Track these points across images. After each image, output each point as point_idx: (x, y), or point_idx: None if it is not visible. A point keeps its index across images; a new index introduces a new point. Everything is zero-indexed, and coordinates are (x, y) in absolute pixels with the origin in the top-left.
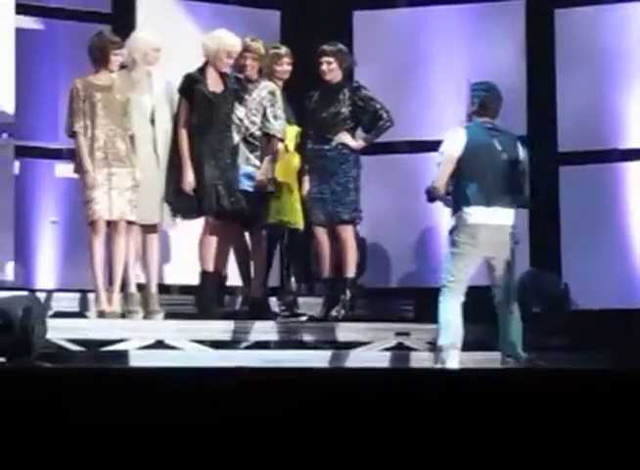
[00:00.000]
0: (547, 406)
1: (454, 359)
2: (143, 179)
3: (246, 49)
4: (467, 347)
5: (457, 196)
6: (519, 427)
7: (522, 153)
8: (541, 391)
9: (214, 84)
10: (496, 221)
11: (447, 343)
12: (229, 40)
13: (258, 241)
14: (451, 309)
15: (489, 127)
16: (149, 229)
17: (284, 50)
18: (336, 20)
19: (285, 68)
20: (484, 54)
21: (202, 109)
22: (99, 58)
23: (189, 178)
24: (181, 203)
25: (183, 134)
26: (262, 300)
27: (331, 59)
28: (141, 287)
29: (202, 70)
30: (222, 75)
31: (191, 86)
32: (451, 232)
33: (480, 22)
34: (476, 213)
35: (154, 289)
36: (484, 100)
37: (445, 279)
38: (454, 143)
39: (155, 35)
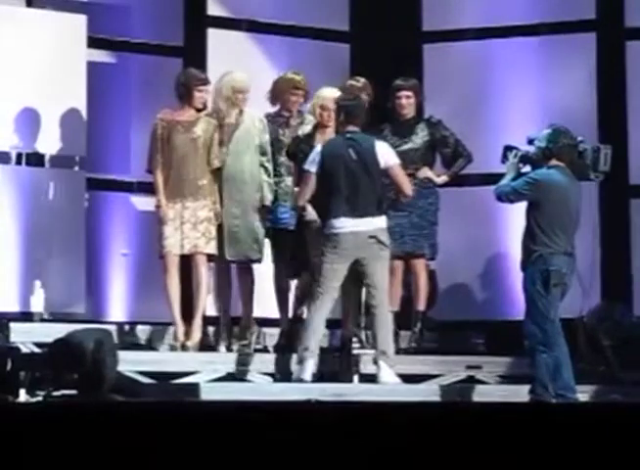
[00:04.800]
0: (622, 440)
1: (310, 365)
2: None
3: (296, 86)
4: None
5: (322, 208)
6: (595, 461)
7: (381, 156)
8: (615, 424)
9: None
10: (356, 229)
11: (308, 345)
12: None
13: None
14: (318, 318)
15: (348, 137)
16: (245, 265)
17: (363, 83)
18: (405, 53)
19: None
20: (555, 86)
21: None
22: (183, 94)
23: None
24: None
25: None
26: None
27: (409, 93)
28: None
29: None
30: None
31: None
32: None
33: (550, 54)
34: (337, 224)
35: (245, 322)
36: (349, 109)
37: (315, 289)
38: (310, 162)
39: (242, 78)
